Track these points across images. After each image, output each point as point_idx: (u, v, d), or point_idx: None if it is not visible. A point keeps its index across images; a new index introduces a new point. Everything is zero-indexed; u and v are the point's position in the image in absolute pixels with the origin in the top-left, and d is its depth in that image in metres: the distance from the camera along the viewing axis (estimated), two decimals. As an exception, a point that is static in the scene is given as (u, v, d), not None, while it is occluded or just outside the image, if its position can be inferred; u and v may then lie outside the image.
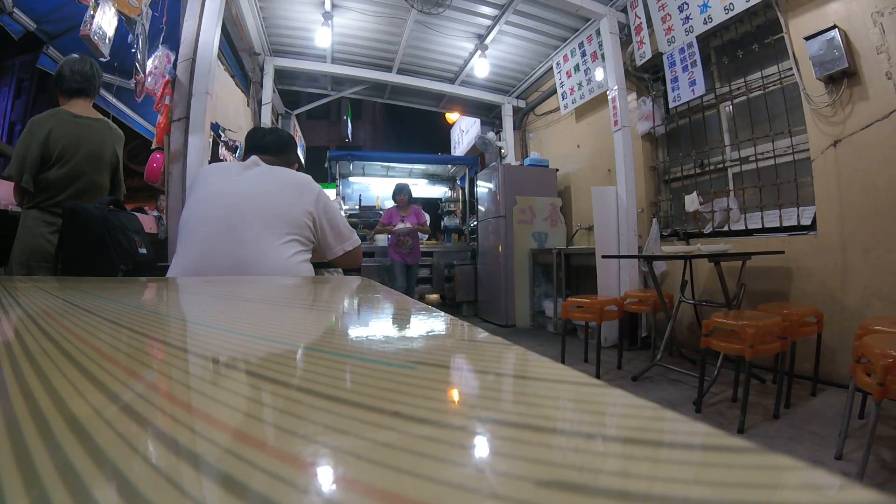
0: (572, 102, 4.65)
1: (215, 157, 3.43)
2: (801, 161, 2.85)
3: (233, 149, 3.89)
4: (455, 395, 0.19)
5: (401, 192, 4.46)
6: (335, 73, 5.08)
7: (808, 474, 0.12)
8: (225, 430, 0.15)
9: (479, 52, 4.61)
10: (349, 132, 10.33)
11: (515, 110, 5.85)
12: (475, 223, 5.84)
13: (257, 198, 1.25)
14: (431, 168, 7.58)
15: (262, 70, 4.77)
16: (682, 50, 3.30)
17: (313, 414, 0.16)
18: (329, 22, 4.03)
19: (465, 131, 7.54)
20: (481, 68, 4.71)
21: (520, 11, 4.06)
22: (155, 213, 3.34)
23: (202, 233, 1.22)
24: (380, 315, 0.51)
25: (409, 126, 13.79)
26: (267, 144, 1.45)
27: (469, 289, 5.61)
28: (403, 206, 4.50)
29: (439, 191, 7.90)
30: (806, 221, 2.79)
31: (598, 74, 4.17)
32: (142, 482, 0.11)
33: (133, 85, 2.83)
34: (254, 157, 1.37)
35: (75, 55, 1.98)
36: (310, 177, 1.40)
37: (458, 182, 7.66)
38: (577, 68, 4.48)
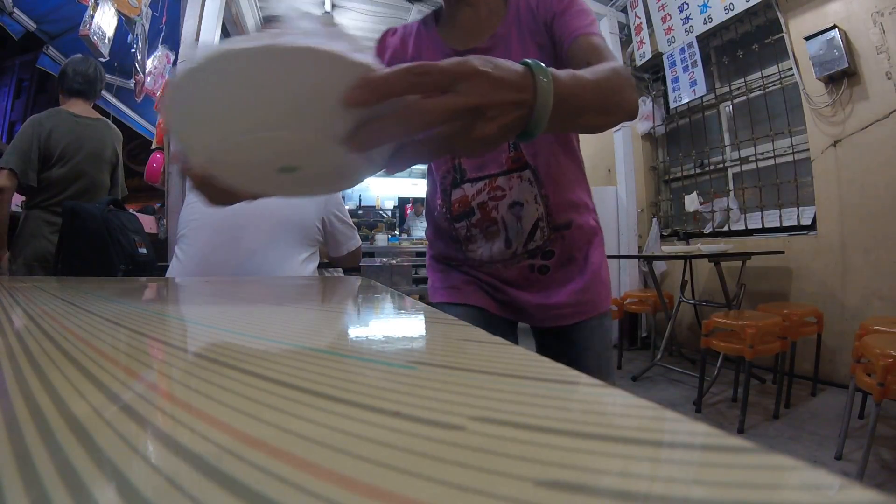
0: (572, 102, 4.64)
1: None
2: (801, 161, 2.85)
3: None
4: (455, 395, 0.19)
5: None
6: (335, 73, 5.07)
7: (808, 474, 0.12)
8: (225, 430, 0.15)
9: (479, 52, 4.61)
10: (349, 132, 10.29)
11: (515, 110, 5.84)
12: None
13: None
14: (432, 167, 7.42)
15: (262, 70, 4.76)
16: (682, 50, 3.30)
17: (313, 414, 0.16)
18: (329, 22, 4.04)
19: (465, 131, 7.46)
20: (481, 68, 4.71)
21: (520, 11, 4.06)
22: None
23: (202, 238, 1.14)
24: (380, 315, 0.51)
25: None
26: None
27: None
28: None
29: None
30: (806, 221, 2.79)
31: (598, 74, 4.16)
32: (142, 482, 0.11)
33: (133, 85, 2.83)
34: None
35: (80, 55, 1.98)
36: None
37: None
38: (577, 68, 4.48)
